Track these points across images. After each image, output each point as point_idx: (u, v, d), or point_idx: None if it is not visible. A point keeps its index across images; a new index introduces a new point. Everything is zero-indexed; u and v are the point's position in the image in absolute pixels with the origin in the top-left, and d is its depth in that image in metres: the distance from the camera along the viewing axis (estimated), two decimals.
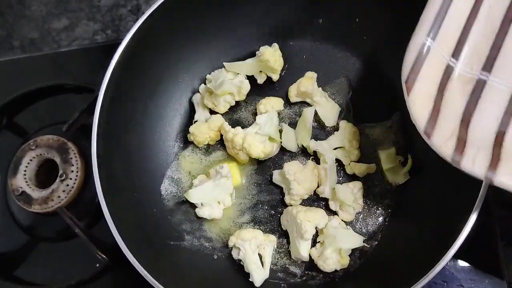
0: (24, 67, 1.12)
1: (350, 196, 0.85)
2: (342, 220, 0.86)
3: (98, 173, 0.77)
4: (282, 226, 0.88)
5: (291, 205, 0.88)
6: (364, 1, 0.90)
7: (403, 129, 0.90)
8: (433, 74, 0.65)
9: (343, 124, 0.91)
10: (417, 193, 0.85)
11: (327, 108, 0.93)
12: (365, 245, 0.83)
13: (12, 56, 1.16)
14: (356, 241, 0.83)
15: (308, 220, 0.82)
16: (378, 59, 0.94)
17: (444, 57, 0.65)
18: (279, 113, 0.94)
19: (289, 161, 0.91)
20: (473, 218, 0.67)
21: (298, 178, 0.85)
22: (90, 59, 1.10)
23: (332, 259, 0.82)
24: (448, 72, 0.65)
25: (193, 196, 0.86)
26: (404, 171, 0.87)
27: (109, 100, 0.81)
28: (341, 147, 0.90)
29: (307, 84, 0.92)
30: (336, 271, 0.83)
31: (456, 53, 0.66)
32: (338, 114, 0.94)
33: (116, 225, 0.75)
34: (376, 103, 0.93)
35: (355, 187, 0.87)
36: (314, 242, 0.85)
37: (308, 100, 0.95)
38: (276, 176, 0.90)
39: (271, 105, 0.92)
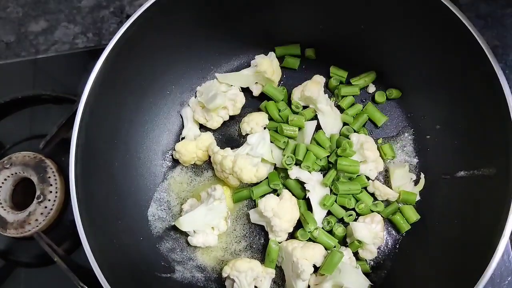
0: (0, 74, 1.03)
1: (369, 234, 0.76)
2: (353, 255, 0.78)
3: (76, 198, 0.69)
4: (277, 263, 0.80)
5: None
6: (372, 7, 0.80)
7: (416, 148, 0.84)
8: None
9: (355, 137, 0.82)
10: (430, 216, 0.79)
11: (331, 118, 0.85)
12: None
13: None
14: (361, 284, 0.74)
15: (305, 258, 0.74)
16: (387, 70, 0.86)
17: None
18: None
19: None
20: None
21: (277, 212, 0.77)
22: (71, 65, 1.01)
23: None
24: None
25: (184, 223, 0.78)
26: (415, 190, 0.80)
27: (89, 114, 0.73)
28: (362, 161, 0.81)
29: (313, 89, 0.83)
30: None
31: None
32: (341, 126, 0.86)
33: (96, 257, 0.67)
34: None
35: (374, 221, 0.78)
36: (314, 268, 0.77)
37: (311, 106, 0.86)
38: (253, 215, 0.82)
39: (255, 122, 0.83)
